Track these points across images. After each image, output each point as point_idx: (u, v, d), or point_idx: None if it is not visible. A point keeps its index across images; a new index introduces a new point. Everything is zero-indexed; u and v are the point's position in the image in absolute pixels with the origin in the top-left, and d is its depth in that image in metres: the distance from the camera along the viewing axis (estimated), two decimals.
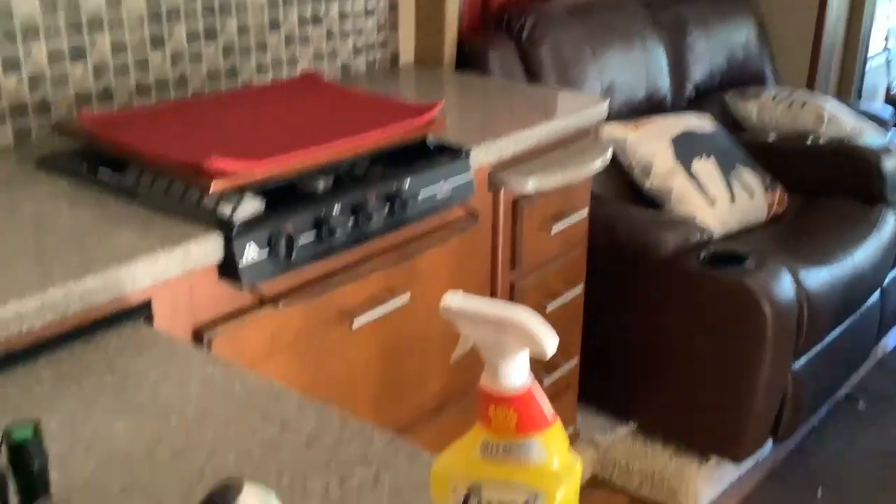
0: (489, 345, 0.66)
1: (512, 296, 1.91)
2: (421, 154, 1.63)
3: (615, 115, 2.65)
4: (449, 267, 1.72)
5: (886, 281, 2.62)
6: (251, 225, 1.32)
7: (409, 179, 1.54)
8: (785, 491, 2.33)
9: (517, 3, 2.58)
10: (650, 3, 2.89)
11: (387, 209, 1.49)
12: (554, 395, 2.16)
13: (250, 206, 1.35)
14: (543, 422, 0.66)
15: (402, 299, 1.59)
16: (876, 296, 2.58)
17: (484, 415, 0.67)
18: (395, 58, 2.34)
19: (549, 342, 0.64)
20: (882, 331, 2.73)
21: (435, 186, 1.59)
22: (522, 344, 0.65)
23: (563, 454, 0.67)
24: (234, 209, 1.31)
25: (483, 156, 1.73)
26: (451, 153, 1.65)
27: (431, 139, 1.66)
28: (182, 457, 0.91)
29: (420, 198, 1.55)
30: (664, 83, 2.84)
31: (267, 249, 1.33)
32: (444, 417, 1.79)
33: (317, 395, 1.45)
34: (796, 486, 2.34)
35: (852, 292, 2.37)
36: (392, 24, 2.30)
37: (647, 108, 2.76)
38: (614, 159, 2.53)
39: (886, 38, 3.70)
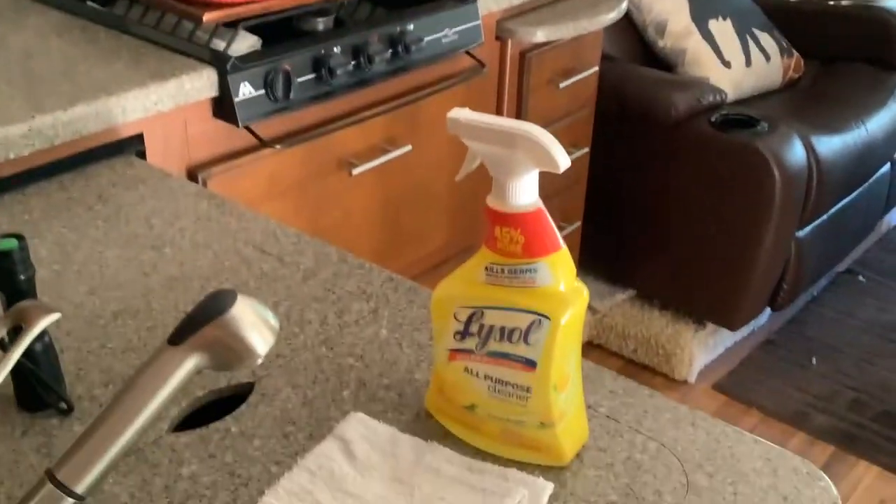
0: (497, 160, 0.62)
1: None
2: None
3: None
4: None
5: None
6: (247, 60, 1.26)
7: (413, 22, 1.46)
8: (779, 359, 2.35)
9: None
10: None
11: (389, 53, 1.43)
12: None
13: (246, 42, 1.29)
14: (552, 245, 0.63)
15: (404, 149, 1.54)
16: (886, 168, 2.53)
17: (490, 235, 0.64)
18: None
19: (561, 157, 0.60)
20: (889, 205, 2.69)
21: (441, 31, 1.52)
22: (532, 160, 0.61)
23: (569, 280, 0.64)
24: (228, 43, 1.25)
25: (492, 1, 1.65)
26: None
27: None
28: (176, 285, 0.89)
29: (424, 42, 1.48)
30: None
31: (263, 88, 1.27)
32: (446, 274, 1.77)
33: None
34: (791, 355, 2.36)
35: (863, 162, 2.32)
36: None
37: None
38: (628, 18, 2.43)
39: None
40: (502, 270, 0.63)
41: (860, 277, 2.67)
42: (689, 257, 2.22)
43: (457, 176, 0.66)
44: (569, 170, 1.84)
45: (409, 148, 1.55)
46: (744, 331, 2.38)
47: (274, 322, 0.53)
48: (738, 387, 2.25)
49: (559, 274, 0.63)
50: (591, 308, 2.38)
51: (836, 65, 2.58)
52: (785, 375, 2.29)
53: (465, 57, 1.62)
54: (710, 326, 2.29)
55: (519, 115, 1.83)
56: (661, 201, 2.22)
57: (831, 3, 2.63)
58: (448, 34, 1.54)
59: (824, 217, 2.28)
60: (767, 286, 2.20)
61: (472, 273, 0.66)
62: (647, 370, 2.31)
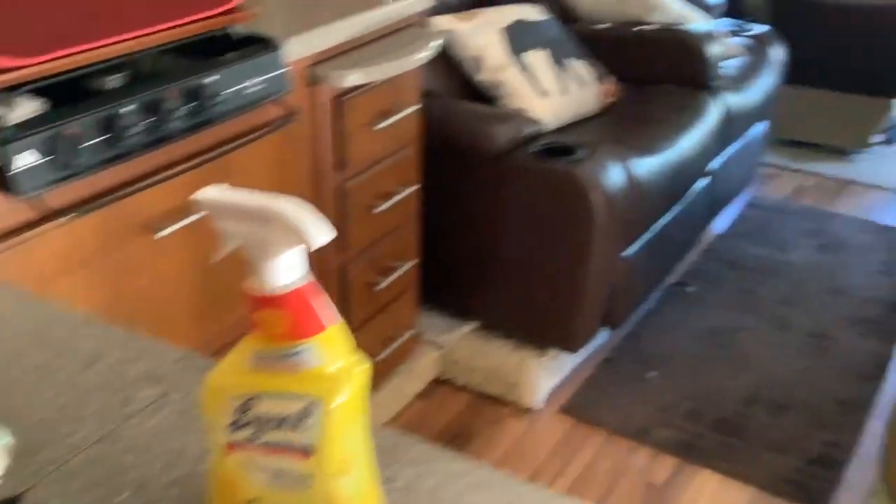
0: (251, 241, 0.58)
1: (340, 198, 1.83)
2: (228, 47, 1.50)
3: (445, 7, 2.56)
4: (266, 170, 1.62)
5: (712, 167, 2.70)
6: (27, 127, 1.17)
7: (212, 75, 1.41)
8: (620, 375, 2.41)
9: None
10: None
11: (188, 108, 1.37)
12: (393, 298, 2.12)
13: (26, 107, 1.20)
14: (320, 324, 0.60)
15: None
16: (703, 182, 2.66)
17: (253, 320, 0.59)
18: None
19: (317, 234, 0.57)
20: (709, 217, 2.83)
21: (244, 82, 1.47)
22: (287, 237, 0.57)
23: (343, 358, 0.61)
24: (4, 110, 1.16)
25: (299, 48, 1.62)
26: (262, 45, 1.52)
27: (239, 29, 1.53)
28: None
29: (226, 95, 1.43)
30: None
31: (48, 154, 1.19)
32: None
33: (123, 313, 1.34)
34: (629, 370, 2.43)
35: (680, 179, 2.42)
36: None
37: None
38: (446, 54, 2.46)
39: None
40: (269, 355, 0.59)
41: (689, 288, 2.79)
42: (525, 285, 2.25)
43: (213, 259, 0.61)
44: (399, 207, 1.82)
45: None
46: (585, 351, 2.43)
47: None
48: (583, 408, 2.29)
49: (330, 353, 0.60)
50: (435, 343, 2.37)
51: (648, 87, 2.70)
52: (626, 391, 2.35)
53: (275, 105, 1.57)
54: (552, 351, 2.32)
55: (339, 160, 1.80)
56: (492, 232, 2.24)
57: (638, 28, 2.75)
58: (252, 84, 1.49)
59: (648, 235, 2.36)
60: (600, 307, 2.26)
61: (241, 360, 0.61)
62: (495, 401, 2.32)
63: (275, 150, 1.62)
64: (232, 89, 1.45)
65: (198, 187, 1.52)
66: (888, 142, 3.70)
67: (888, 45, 3.45)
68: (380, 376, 2.19)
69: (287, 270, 0.59)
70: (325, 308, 0.60)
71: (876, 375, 2.41)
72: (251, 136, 1.52)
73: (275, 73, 1.53)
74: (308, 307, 0.59)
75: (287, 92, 1.56)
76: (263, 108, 1.54)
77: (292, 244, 0.58)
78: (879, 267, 2.91)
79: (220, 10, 1.47)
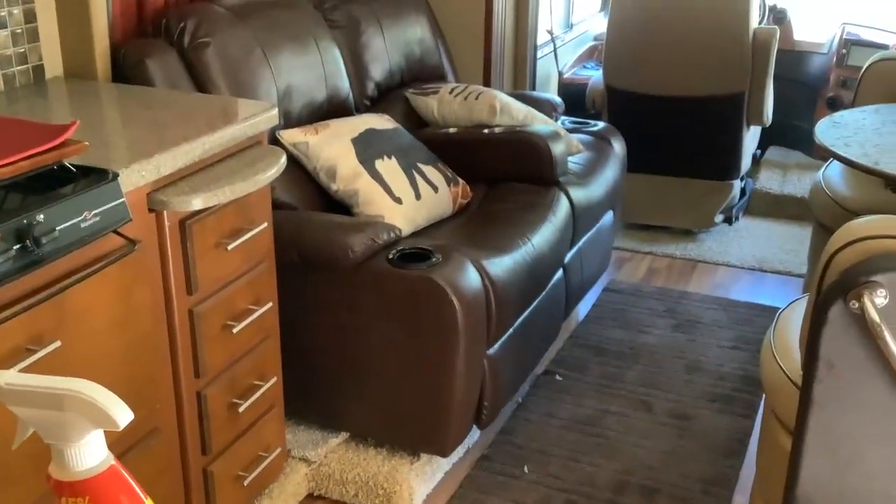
0: (49, 426, 0.56)
1: (192, 323, 1.78)
2: (62, 181, 1.46)
3: (296, 121, 2.59)
4: (110, 303, 1.56)
5: (567, 258, 2.79)
6: None
7: (42, 212, 1.36)
8: (495, 473, 2.40)
9: (177, 7, 2.42)
10: (321, 3, 2.85)
11: (16, 249, 1.31)
12: (257, 417, 2.06)
13: None
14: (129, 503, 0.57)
15: (53, 346, 1.41)
16: (559, 274, 2.74)
17: None
18: (39, 72, 2.10)
19: (119, 413, 0.55)
20: (569, 306, 2.91)
21: (79, 216, 1.43)
22: (88, 420, 0.55)
23: None
24: None
25: (138, 176, 1.59)
26: (97, 177, 1.49)
27: (72, 162, 1.49)
28: None
29: (59, 231, 1.38)
30: (344, 84, 2.82)
31: None
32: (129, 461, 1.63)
33: None
34: (505, 467, 2.43)
35: (535, 275, 2.49)
36: (31, 34, 2.06)
37: (329, 110, 2.73)
38: (300, 165, 2.48)
39: (549, 31, 3.95)
40: None
41: (557, 376, 2.84)
42: (392, 392, 2.23)
43: (12, 446, 0.58)
44: (256, 326, 1.78)
45: (58, 344, 1.42)
46: (459, 451, 2.42)
47: None
48: None
49: None
50: (305, 459, 2.31)
51: (500, 187, 2.78)
52: (502, 489, 2.34)
53: (116, 236, 1.53)
54: (425, 456, 2.30)
55: (189, 284, 1.76)
56: (355, 341, 2.23)
57: (485, 132, 2.85)
58: (88, 217, 1.45)
59: (510, 331, 2.40)
60: (469, 407, 2.26)
61: None
62: None
63: (117, 281, 1.57)
64: (67, 224, 1.40)
65: (34, 326, 1.46)
66: (728, 221, 3.93)
67: (713, 133, 3.70)
68: (250, 499, 2.11)
69: (92, 453, 0.57)
70: (133, 486, 0.58)
71: (737, 451, 2.49)
72: (89, 271, 1.47)
73: (113, 204, 1.49)
74: (117, 488, 0.57)
75: (127, 221, 1.53)
76: (103, 239, 1.50)
77: (90, 428, 0.55)
78: (731, 342, 3.05)
79: (51, 144, 1.44)
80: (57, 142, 1.45)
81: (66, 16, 2.12)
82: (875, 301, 1.32)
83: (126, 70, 2.19)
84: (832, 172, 2.85)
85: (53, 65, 2.14)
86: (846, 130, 2.52)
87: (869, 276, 1.32)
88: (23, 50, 2.06)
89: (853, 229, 1.43)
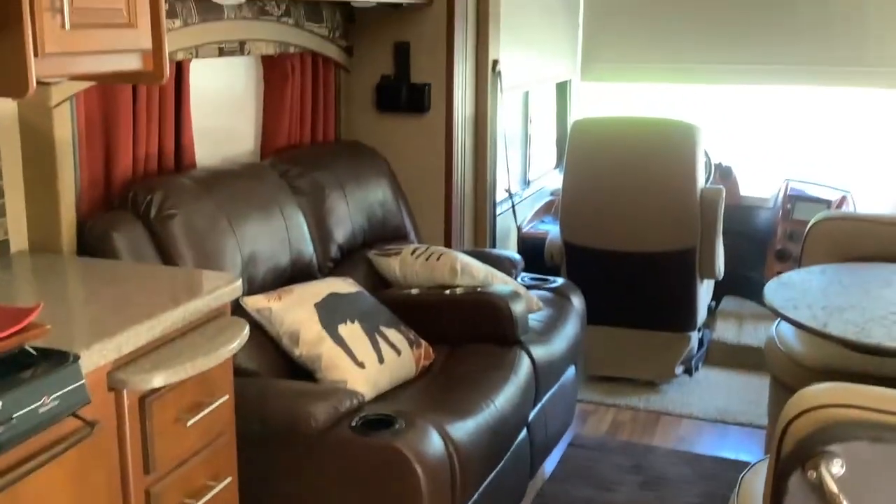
0: None
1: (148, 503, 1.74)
2: (21, 365, 1.45)
3: (260, 285, 2.61)
4: (64, 488, 1.53)
5: (531, 417, 2.78)
6: None
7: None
8: None
9: (144, 180, 2.48)
10: (286, 172, 2.94)
11: None
12: None
13: None
14: None
15: None
16: (523, 433, 2.73)
17: None
18: (4, 247, 2.12)
19: None
20: (535, 465, 2.88)
21: (37, 401, 1.41)
22: None
23: None
24: None
25: (100, 356, 1.59)
26: (58, 359, 1.49)
27: (32, 344, 1.49)
28: None
29: (16, 419, 1.37)
30: (308, 248, 2.87)
31: None
32: None
33: None
34: None
35: (499, 437, 2.47)
36: None
37: (293, 273, 2.76)
38: (263, 330, 2.48)
39: (507, 190, 4.09)
40: None
41: None
42: None
43: None
44: (219, 501, 1.71)
45: None
46: None
47: None
48: None
49: None
50: None
51: (462, 347, 2.80)
52: None
53: (73, 419, 1.51)
54: None
55: (146, 463, 1.73)
56: None
57: (447, 292, 2.90)
58: (47, 402, 1.44)
59: (476, 496, 2.36)
60: None
61: None
62: None
63: (73, 464, 1.54)
64: (25, 410, 1.39)
65: None
66: (689, 372, 3.97)
67: (668, 286, 3.80)
68: None
69: None
70: None
71: None
72: (45, 457, 1.44)
73: (72, 387, 1.48)
74: None
75: (86, 404, 1.51)
76: (59, 423, 1.48)
77: None
78: (698, 499, 3.02)
79: (13, 329, 1.44)
80: (19, 326, 1.45)
81: (34, 191, 2.17)
82: (832, 471, 1.33)
83: (91, 242, 2.22)
84: (785, 328, 2.92)
85: (18, 239, 2.16)
86: (794, 291, 2.60)
87: (825, 447, 1.34)
88: None
89: (807, 397, 1.45)
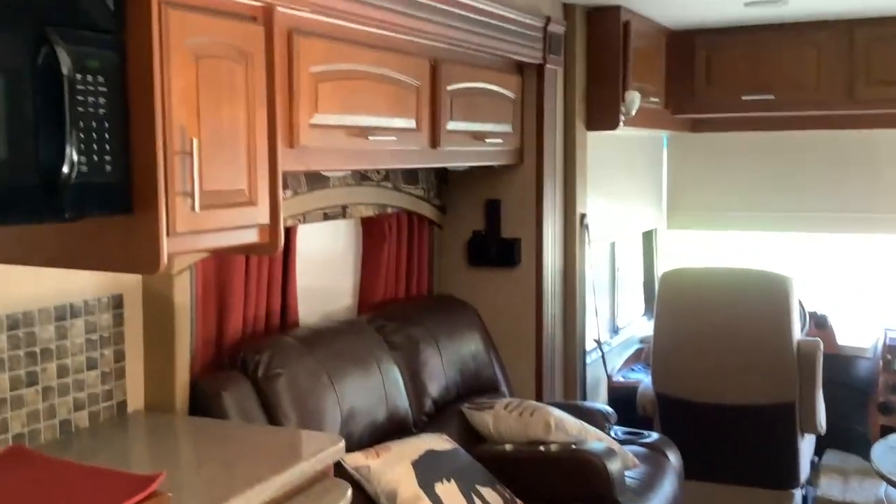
0: None
1: None
2: None
3: (357, 441, 2.66)
4: None
5: None
6: None
7: None
8: None
9: (252, 339, 2.61)
10: (382, 327, 3.03)
11: None
12: None
13: None
14: None
15: None
16: None
17: None
18: (122, 407, 2.24)
19: None
20: None
21: None
22: None
23: None
24: None
25: None
26: None
27: None
28: None
29: None
30: (403, 402, 2.92)
31: None
32: None
33: None
34: None
35: None
36: (118, 372, 2.23)
37: (389, 428, 2.81)
38: (360, 488, 2.51)
39: (597, 339, 4.10)
40: None
41: None
42: None
43: None
44: None
45: None
46: None
47: None
48: None
49: None
50: None
51: None
52: None
53: None
54: None
55: None
56: None
57: (541, 448, 2.89)
58: None
59: None
60: None
61: None
62: None
63: None
64: None
65: None
66: None
67: (768, 441, 3.68)
68: None
69: None
70: None
71: None
72: None
73: None
74: None
75: None
76: None
77: None
78: None
79: (138, 497, 1.51)
80: (144, 494, 1.52)
81: (152, 354, 2.30)
82: None
83: (203, 402, 2.32)
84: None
85: (135, 399, 2.28)
86: None
87: None
88: (109, 388, 2.21)
89: None
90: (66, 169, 1.54)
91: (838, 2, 3.79)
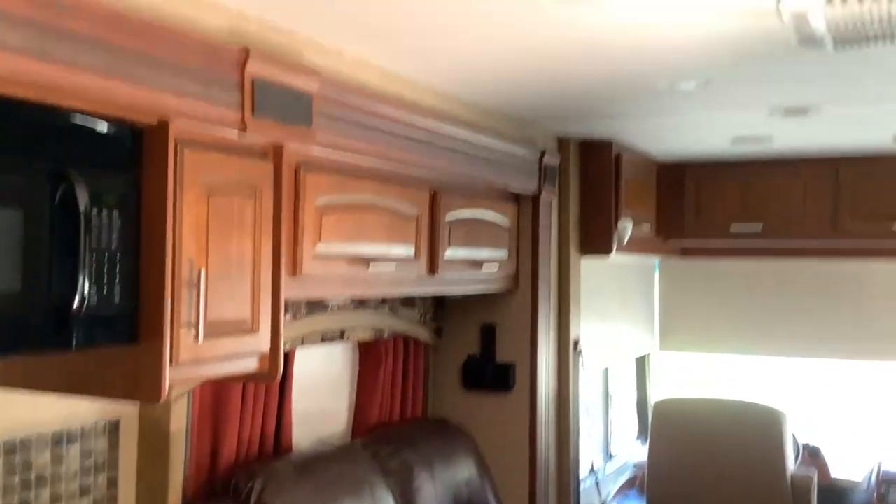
0: None
1: None
2: None
3: None
4: None
5: None
6: None
7: None
8: None
9: (246, 465, 2.59)
10: (377, 453, 3.01)
11: None
12: None
13: None
14: None
15: None
16: None
17: None
18: None
19: None
20: None
21: None
22: None
23: None
24: None
25: None
26: None
27: None
28: None
29: None
30: None
31: None
32: None
33: None
34: None
35: None
36: (111, 499, 2.20)
37: None
38: None
39: (591, 467, 4.06)
40: None
41: None
42: None
43: None
44: None
45: None
46: None
47: None
48: None
49: None
50: None
51: None
52: None
53: None
54: None
55: None
56: None
57: None
58: None
59: None
60: None
61: None
62: None
63: None
64: None
65: None
66: None
67: None
68: None
69: None
70: None
71: None
72: None
73: None
74: None
75: None
76: None
77: None
78: None
79: None
80: None
81: (145, 479, 2.28)
82: None
83: None
84: None
85: None
86: None
87: None
88: None
89: None
90: (77, 301, 1.58)
91: (823, 141, 3.95)
